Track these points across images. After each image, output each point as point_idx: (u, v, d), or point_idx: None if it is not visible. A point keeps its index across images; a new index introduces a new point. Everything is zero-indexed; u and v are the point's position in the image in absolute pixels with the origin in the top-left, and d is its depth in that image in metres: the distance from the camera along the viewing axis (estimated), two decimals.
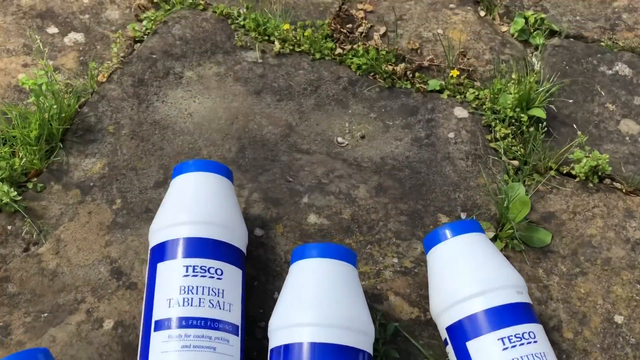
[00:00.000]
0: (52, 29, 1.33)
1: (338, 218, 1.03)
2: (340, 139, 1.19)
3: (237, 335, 0.82)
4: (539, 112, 1.18)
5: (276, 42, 1.33)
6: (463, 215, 1.05)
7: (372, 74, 1.30)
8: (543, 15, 1.39)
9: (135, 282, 0.94)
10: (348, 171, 1.12)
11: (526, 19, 1.39)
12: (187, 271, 0.82)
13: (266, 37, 1.35)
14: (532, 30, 1.38)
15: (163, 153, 1.14)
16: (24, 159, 1.08)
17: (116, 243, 0.99)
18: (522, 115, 1.18)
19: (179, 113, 1.21)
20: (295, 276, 0.83)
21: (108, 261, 0.97)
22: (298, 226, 1.02)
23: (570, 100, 1.25)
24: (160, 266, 0.84)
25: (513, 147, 1.17)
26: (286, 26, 1.33)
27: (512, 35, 1.39)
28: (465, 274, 0.85)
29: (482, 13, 1.43)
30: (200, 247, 0.84)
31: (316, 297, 0.79)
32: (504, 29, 1.41)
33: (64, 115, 1.15)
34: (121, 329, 0.90)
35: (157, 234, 0.88)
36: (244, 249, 0.90)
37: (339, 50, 1.32)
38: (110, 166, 1.11)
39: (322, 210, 1.04)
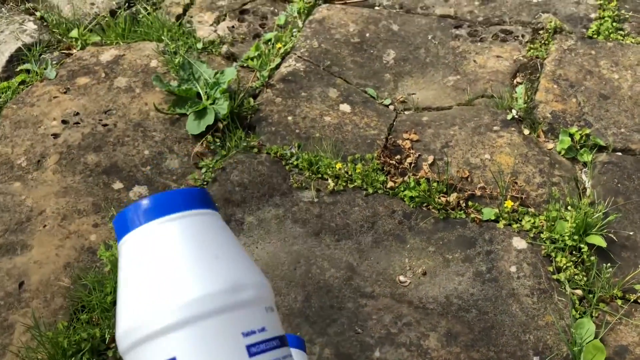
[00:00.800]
0: (118, 184, 1.41)
1: None
2: (402, 278, 1.22)
3: None
4: (599, 241, 1.19)
5: (330, 181, 1.38)
6: (536, 359, 1.05)
7: (425, 205, 1.33)
8: (588, 131, 1.42)
9: None
10: (415, 316, 1.13)
11: (571, 135, 1.42)
12: None
13: (319, 175, 1.40)
14: (578, 147, 1.41)
15: None
16: (104, 328, 1.13)
17: None
18: (582, 245, 1.19)
19: None
20: None
21: None
22: None
23: (631, 233, 1.26)
24: None
25: (575, 277, 1.17)
26: (338, 165, 1.38)
27: (559, 153, 1.41)
28: None
29: (527, 132, 1.46)
30: None
31: None
32: (550, 146, 1.44)
33: None
34: None
35: None
36: None
37: (390, 184, 1.37)
38: None
39: None
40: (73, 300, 1.19)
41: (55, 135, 1.51)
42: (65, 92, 1.62)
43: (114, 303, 1.15)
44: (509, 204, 1.27)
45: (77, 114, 1.56)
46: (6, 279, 1.22)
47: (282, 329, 0.44)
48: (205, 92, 1.54)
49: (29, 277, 1.23)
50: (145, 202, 0.44)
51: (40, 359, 1.07)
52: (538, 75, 1.59)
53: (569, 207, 1.26)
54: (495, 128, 1.47)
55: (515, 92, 1.53)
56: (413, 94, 1.61)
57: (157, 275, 0.42)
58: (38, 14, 1.86)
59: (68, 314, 1.17)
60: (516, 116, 1.49)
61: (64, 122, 1.54)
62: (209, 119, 1.48)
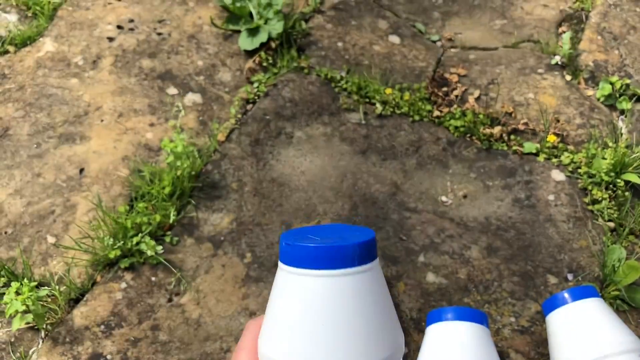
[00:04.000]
0: (172, 90, 1.45)
1: (455, 277, 1.11)
2: (444, 198, 1.28)
3: None
4: (634, 178, 1.25)
5: (378, 105, 1.43)
6: (570, 277, 1.12)
7: (469, 135, 1.38)
8: (628, 81, 1.47)
9: None
10: (457, 231, 1.20)
11: (611, 84, 1.47)
12: None
13: (367, 100, 1.45)
14: (617, 95, 1.46)
15: (283, 209, 1.24)
16: (160, 215, 1.19)
17: (253, 296, 1.09)
18: (618, 180, 1.25)
19: (293, 171, 1.31)
20: (433, 340, 0.91)
21: (247, 313, 1.06)
22: (418, 285, 1.10)
23: None
24: None
25: (609, 209, 1.24)
26: (388, 91, 1.43)
27: (598, 99, 1.47)
28: (586, 339, 0.92)
29: (568, 77, 1.51)
30: None
31: None
32: (590, 93, 1.49)
33: (193, 173, 1.25)
34: None
35: None
36: None
37: (436, 113, 1.42)
38: (238, 221, 1.21)
39: (439, 270, 1.12)
40: (132, 189, 1.24)
41: (111, 39, 1.54)
42: (119, 0, 1.64)
43: (171, 194, 1.21)
44: (552, 138, 1.33)
45: (132, 20, 1.59)
46: (67, 164, 1.27)
47: None
48: (258, 12, 1.57)
49: (88, 164, 1.28)
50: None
51: (102, 236, 1.12)
52: (583, 26, 1.63)
53: (607, 147, 1.32)
54: (539, 71, 1.52)
55: (562, 39, 1.57)
56: (460, 33, 1.65)
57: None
58: None
59: (127, 201, 1.23)
60: (559, 62, 1.54)
61: (118, 27, 1.57)
62: (262, 37, 1.52)
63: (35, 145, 1.31)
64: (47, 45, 1.52)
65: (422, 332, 1.03)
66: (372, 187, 1.29)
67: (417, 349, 1.01)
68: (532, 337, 1.03)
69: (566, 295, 0.97)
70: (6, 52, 1.51)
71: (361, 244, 0.40)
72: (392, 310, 0.43)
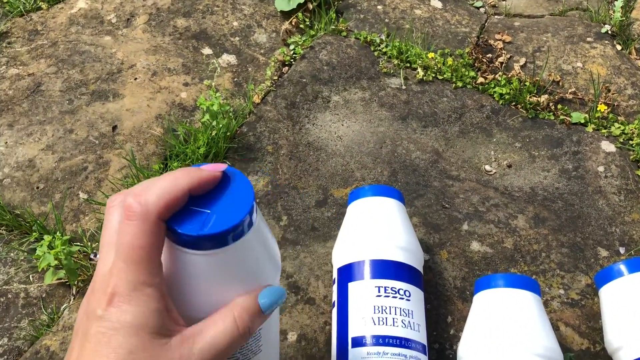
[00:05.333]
0: (207, 50, 1.41)
1: (501, 247, 1.07)
2: (487, 167, 1.23)
3: (425, 355, 0.86)
4: None
5: (419, 70, 1.37)
6: (622, 250, 1.07)
7: (514, 103, 1.33)
8: None
9: (313, 298, 1.00)
10: (502, 200, 1.15)
11: None
12: (379, 292, 0.87)
13: (408, 64, 1.40)
14: None
15: (319, 174, 1.20)
16: None
17: (289, 259, 1.05)
18: None
19: (329, 135, 1.27)
20: (482, 305, 0.87)
21: (284, 275, 1.03)
22: (462, 253, 1.06)
23: None
24: (352, 286, 0.89)
25: None
26: (431, 55, 1.37)
27: None
28: None
29: (619, 47, 1.45)
30: (388, 269, 0.89)
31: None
32: None
33: (228, 134, 1.22)
34: (304, 342, 0.95)
35: (343, 255, 0.93)
36: (422, 271, 0.94)
37: (480, 79, 1.36)
38: (273, 184, 1.17)
39: (484, 239, 1.08)
40: (166, 148, 1.21)
41: None
42: None
43: (206, 155, 1.17)
44: (602, 107, 1.27)
45: None
46: (100, 121, 1.24)
47: None
48: None
49: (121, 122, 1.24)
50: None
51: None
52: None
53: None
54: (588, 39, 1.46)
55: (614, 7, 1.50)
56: (503, 0, 1.58)
57: None
58: None
59: (160, 160, 1.19)
60: (610, 31, 1.47)
61: None
62: None
63: (67, 102, 1.28)
64: (80, 2, 1.49)
65: (466, 301, 0.99)
66: (413, 154, 1.24)
67: (461, 317, 0.97)
68: (582, 311, 0.98)
69: (622, 267, 0.92)
70: (39, 8, 1.48)
71: (208, 235, 0.47)
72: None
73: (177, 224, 0.46)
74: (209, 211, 0.47)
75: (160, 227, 0.45)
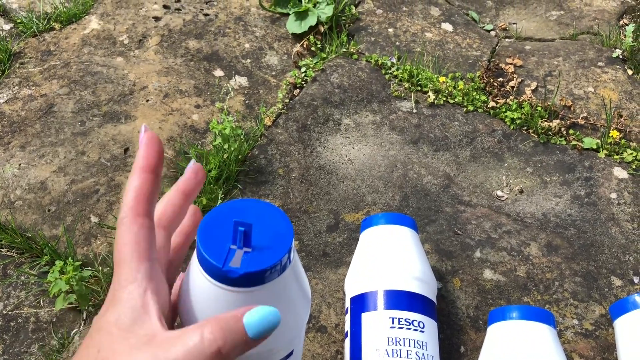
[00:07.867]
0: (218, 72, 1.41)
1: (514, 275, 1.06)
2: (499, 192, 1.22)
3: None
4: None
5: (430, 93, 1.37)
6: (636, 279, 1.06)
7: (526, 128, 1.32)
8: None
9: (325, 326, 0.99)
10: (515, 227, 1.14)
11: None
12: (393, 323, 0.86)
13: (419, 88, 1.40)
14: None
15: (330, 198, 1.20)
16: (207, 198, 1.15)
17: None
18: None
19: (340, 159, 1.27)
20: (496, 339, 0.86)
21: None
22: (475, 281, 1.05)
23: None
24: (365, 316, 0.88)
25: None
26: (442, 79, 1.37)
27: None
28: None
29: (630, 72, 1.44)
30: (402, 300, 0.88)
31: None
32: None
33: (240, 157, 1.22)
34: None
35: (356, 285, 0.92)
36: (435, 301, 0.94)
37: (492, 104, 1.36)
38: (284, 208, 1.17)
39: (497, 266, 1.07)
40: (177, 171, 1.21)
41: (157, 19, 1.51)
42: None
43: (217, 178, 1.17)
44: (614, 133, 1.26)
45: (178, 0, 1.56)
46: (112, 144, 1.25)
47: None
48: None
49: (133, 144, 1.25)
50: None
51: None
52: None
53: None
54: (599, 64, 1.46)
55: (625, 31, 1.50)
56: (514, 23, 1.59)
57: None
58: None
59: (172, 183, 1.19)
60: (621, 56, 1.47)
61: (165, 7, 1.54)
62: (311, 20, 1.48)
63: (79, 123, 1.28)
64: (92, 23, 1.50)
65: (479, 330, 0.98)
66: (424, 178, 1.24)
67: (475, 347, 0.96)
68: (597, 342, 0.97)
69: (637, 298, 0.92)
70: (52, 28, 1.48)
71: (246, 274, 0.44)
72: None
73: (214, 257, 0.45)
74: (249, 249, 0.46)
75: (144, 222, 0.44)
